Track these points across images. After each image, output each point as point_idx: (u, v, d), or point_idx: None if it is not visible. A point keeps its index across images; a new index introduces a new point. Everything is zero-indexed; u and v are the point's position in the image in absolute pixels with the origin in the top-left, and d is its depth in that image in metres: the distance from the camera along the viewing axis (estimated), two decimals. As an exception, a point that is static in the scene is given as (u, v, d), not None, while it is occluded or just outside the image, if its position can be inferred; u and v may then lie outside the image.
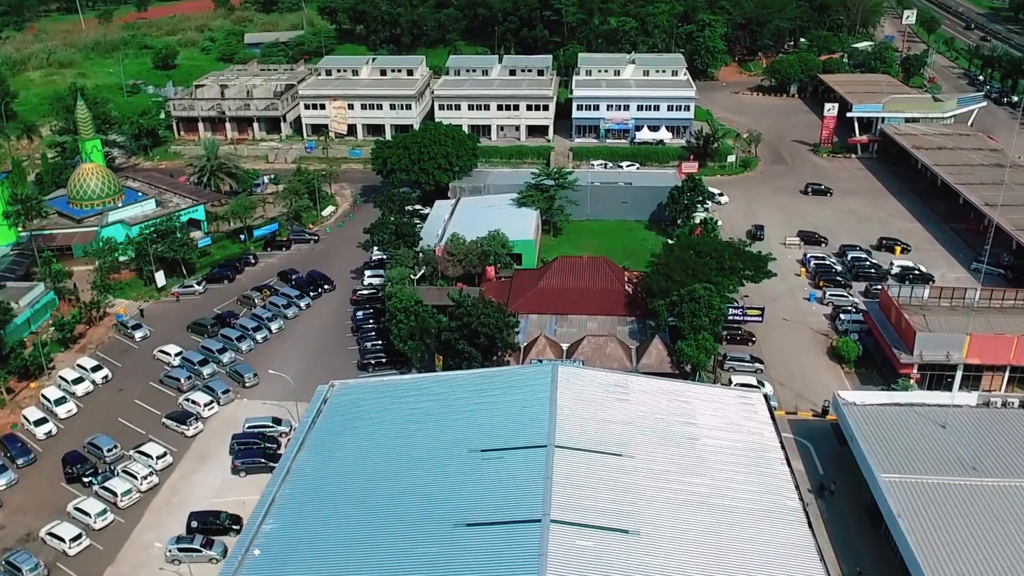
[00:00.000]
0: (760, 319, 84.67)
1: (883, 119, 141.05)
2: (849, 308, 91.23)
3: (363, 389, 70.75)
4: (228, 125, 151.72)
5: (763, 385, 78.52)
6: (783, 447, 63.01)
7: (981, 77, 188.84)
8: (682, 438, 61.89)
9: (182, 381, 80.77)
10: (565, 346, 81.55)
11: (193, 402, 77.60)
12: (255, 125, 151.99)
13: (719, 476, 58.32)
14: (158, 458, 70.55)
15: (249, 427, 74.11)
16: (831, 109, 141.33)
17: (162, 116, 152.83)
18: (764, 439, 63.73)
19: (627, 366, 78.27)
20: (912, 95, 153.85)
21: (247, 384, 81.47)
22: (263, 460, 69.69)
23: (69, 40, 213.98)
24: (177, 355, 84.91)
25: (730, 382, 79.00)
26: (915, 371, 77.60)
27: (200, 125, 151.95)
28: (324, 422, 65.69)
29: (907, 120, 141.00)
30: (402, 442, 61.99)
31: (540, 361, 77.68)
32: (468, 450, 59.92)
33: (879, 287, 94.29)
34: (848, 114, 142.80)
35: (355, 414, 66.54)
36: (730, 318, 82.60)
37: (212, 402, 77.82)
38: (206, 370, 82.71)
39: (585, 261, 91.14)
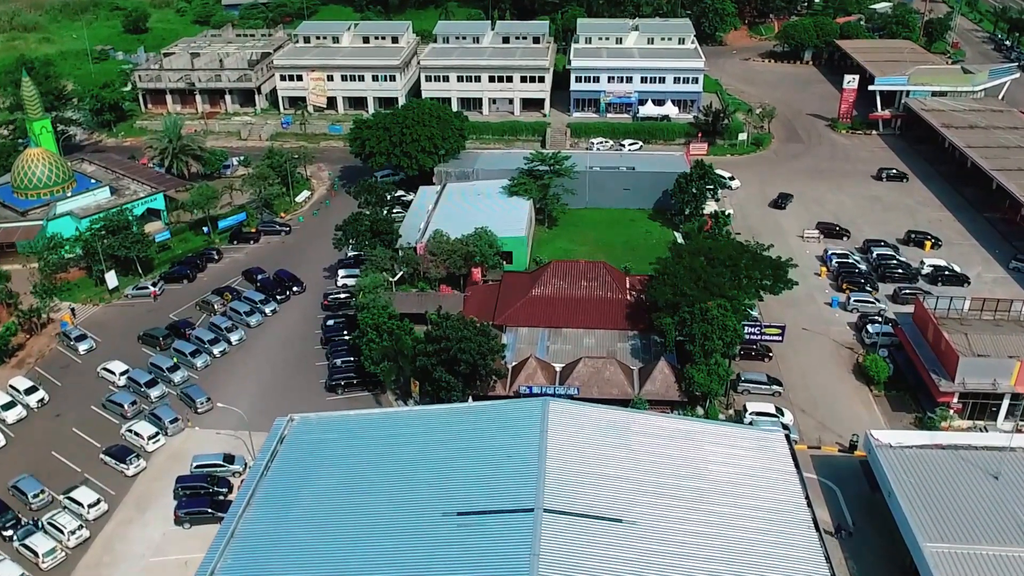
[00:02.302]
0: (780, 338, 74.89)
1: (907, 92, 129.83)
2: (877, 317, 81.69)
3: (325, 426, 61.77)
4: (198, 98, 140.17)
5: (782, 413, 69.30)
6: (810, 505, 54.18)
7: (1008, 42, 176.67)
8: (692, 497, 53.11)
9: (126, 407, 71.37)
10: (558, 367, 72.19)
11: (136, 434, 68.35)
12: (227, 98, 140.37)
13: (736, 548, 49.61)
14: (90, 506, 61.40)
15: (197, 467, 65.00)
16: (851, 81, 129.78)
17: (127, 88, 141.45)
18: (787, 494, 54.86)
19: (628, 392, 69.04)
20: (939, 66, 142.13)
21: (199, 410, 72.11)
22: (210, 510, 60.71)
23: (36, 1, 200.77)
24: (123, 374, 75.55)
25: (744, 409, 69.84)
26: (955, 400, 68.32)
27: (168, 97, 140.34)
28: (279, 468, 57.20)
29: (933, 94, 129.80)
30: (366, 500, 53.53)
31: (530, 388, 68.53)
32: (443, 513, 51.49)
33: (908, 291, 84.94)
34: (870, 87, 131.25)
35: (314, 460, 57.76)
36: (746, 337, 72.78)
37: (158, 434, 68.49)
38: (154, 392, 73.38)
39: (582, 266, 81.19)
